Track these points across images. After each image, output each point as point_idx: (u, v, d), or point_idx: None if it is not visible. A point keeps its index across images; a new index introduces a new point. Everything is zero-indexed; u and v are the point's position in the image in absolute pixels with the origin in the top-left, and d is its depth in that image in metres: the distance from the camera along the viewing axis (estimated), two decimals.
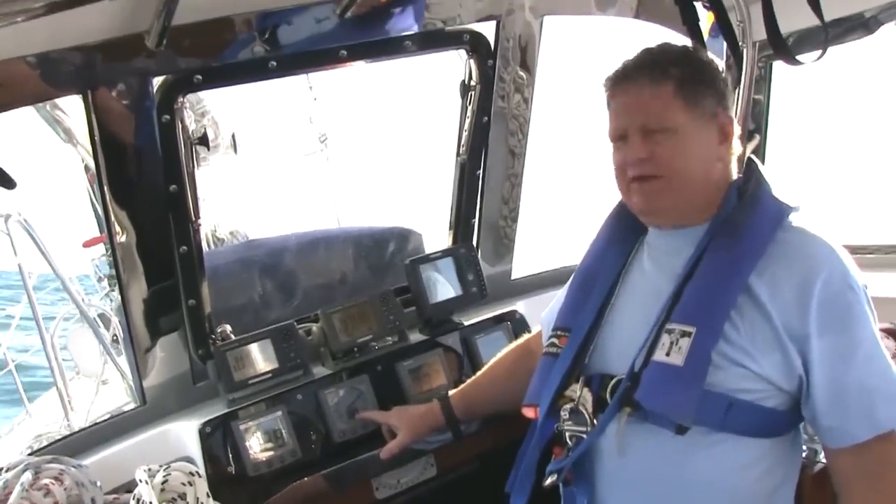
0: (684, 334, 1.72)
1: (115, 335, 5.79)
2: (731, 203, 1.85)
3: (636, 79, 1.86)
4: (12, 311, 7.18)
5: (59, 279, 5.01)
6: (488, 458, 2.57)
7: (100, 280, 7.39)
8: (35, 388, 7.27)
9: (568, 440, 1.90)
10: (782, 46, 2.04)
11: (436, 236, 3.46)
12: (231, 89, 2.52)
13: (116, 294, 6.50)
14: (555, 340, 2.03)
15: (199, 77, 2.23)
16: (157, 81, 2.21)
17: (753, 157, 1.96)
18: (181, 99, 2.25)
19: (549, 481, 1.89)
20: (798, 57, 2.06)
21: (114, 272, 6.69)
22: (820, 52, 2.00)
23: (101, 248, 7.40)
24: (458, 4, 2.52)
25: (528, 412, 2.03)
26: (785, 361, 1.70)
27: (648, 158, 1.79)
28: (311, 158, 6.54)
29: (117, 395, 5.53)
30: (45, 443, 5.38)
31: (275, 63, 2.33)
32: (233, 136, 3.95)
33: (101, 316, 5.77)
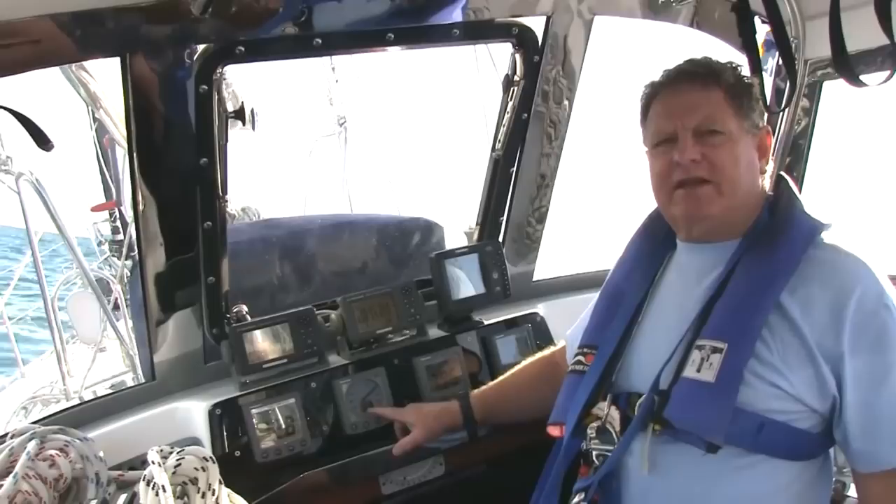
0: (715, 350, 1.69)
1: (116, 301, 5.77)
2: (763, 219, 1.83)
3: (687, 81, 1.85)
4: (8, 273, 7.16)
5: (66, 241, 4.94)
6: (498, 462, 2.54)
7: (100, 244, 7.37)
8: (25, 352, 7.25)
9: (595, 459, 1.86)
10: (846, 65, 1.97)
11: (450, 230, 3.43)
12: (253, 63, 2.44)
13: (117, 260, 6.51)
14: (581, 358, 1.99)
15: (242, 48, 2.16)
16: (198, 51, 2.14)
17: (784, 174, 1.94)
18: (220, 70, 2.18)
19: (575, 500, 1.85)
20: (861, 77, 1.99)
21: (118, 238, 6.68)
22: (889, 73, 1.93)
23: (103, 214, 7.42)
24: None
25: (554, 431, 2.00)
26: (818, 381, 1.66)
27: (701, 161, 1.76)
28: (328, 140, 6.50)
29: (113, 363, 5.50)
30: (39, 405, 5.41)
31: (320, 41, 2.26)
32: (252, 111, 3.90)
33: (100, 281, 5.73)
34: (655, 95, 1.90)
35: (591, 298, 2.20)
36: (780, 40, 2.31)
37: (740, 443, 1.67)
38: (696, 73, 1.85)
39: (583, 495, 1.83)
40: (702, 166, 1.77)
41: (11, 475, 1.80)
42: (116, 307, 5.69)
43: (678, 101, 1.84)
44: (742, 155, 1.80)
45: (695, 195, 1.79)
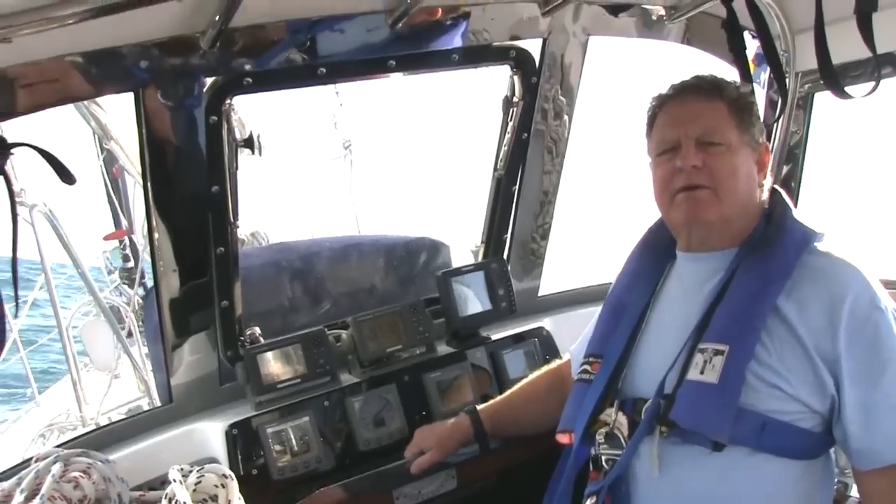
0: (717, 353, 1.75)
1: (129, 329, 5.83)
2: (760, 229, 1.90)
3: (692, 93, 1.93)
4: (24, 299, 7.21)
5: (79, 271, 5.02)
6: (509, 473, 2.57)
7: (110, 273, 7.44)
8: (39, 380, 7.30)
9: (604, 464, 1.91)
10: (832, 78, 2.04)
11: (455, 248, 3.48)
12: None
13: (128, 288, 6.56)
14: (587, 367, 2.05)
15: (249, 80, 2.24)
16: (207, 83, 2.22)
17: (777, 186, 2.01)
18: (229, 101, 2.26)
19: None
20: (847, 89, 2.06)
21: (128, 265, 6.72)
22: (873, 84, 1.99)
23: (112, 242, 7.48)
24: (506, 21, 2.53)
25: (563, 438, 2.05)
26: (817, 382, 1.72)
27: (702, 168, 1.84)
28: (334, 164, 6.56)
29: (127, 389, 5.55)
30: (56, 432, 5.46)
31: (324, 70, 2.33)
32: (258, 137, 3.97)
33: (112, 308, 5.80)
34: (661, 107, 1.98)
35: (595, 311, 2.25)
36: (770, 54, 2.38)
37: (745, 442, 1.73)
38: (700, 87, 1.94)
39: (594, 499, 1.89)
40: (702, 173, 1.84)
41: (38, 496, 1.86)
42: (129, 334, 5.76)
43: (683, 112, 1.92)
44: (741, 166, 1.87)
45: (694, 198, 1.86)
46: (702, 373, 1.75)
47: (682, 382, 1.79)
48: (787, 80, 2.76)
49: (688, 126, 1.88)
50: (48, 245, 4.98)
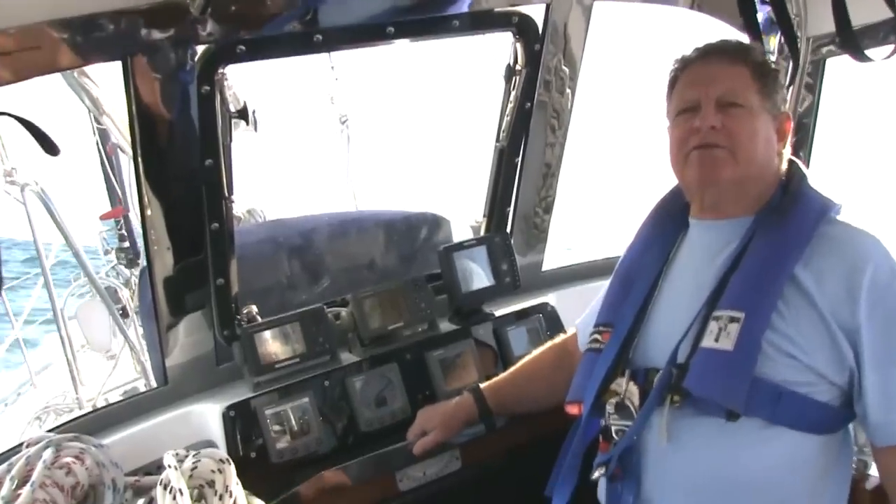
0: (733, 320, 1.71)
1: (125, 309, 5.77)
2: (777, 197, 1.87)
3: (716, 55, 1.90)
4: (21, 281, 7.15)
5: (72, 251, 4.95)
6: (514, 452, 2.53)
7: (106, 253, 7.37)
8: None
9: (614, 435, 1.87)
10: (851, 41, 1.96)
11: (455, 223, 3.41)
12: (253, 63, 2.44)
13: (124, 268, 6.51)
14: (597, 336, 2.01)
15: (243, 48, 2.15)
16: (199, 51, 2.13)
17: (793, 157, 1.97)
18: (222, 70, 2.17)
19: (596, 474, 1.87)
20: (867, 52, 1.98)
21: (124, 245, 6.67)
22: (894, 47, 1.92)
23: (108, 222, 7.41)
24: None
25: (572, 409, 2.02)
26: (835, 353, 1.68)
27: (720, 129, 1.80)
28: (331, 139, 6.48)
29: (124, 370, 5.50)
30: (52, 414, 5.42)
31: (320, 37, 2.25)
32: (253, 112, 3.90)
33: (108, 289, 5.74)
34: (684, 69, 1.94)
35: (601, 286, 2.21)
36: (782, 18, 2.31)
37: (759, 413, 1.68)
38: (725, 50, 1.91)
39: (603, 469, 1.85)
40: (720, 134, 1.80)
41: (29, 483, 1.80)
42: (125, 314, 5.70)
43: (705, 72, 1.89)
44: (760, 130, 1.83)
45: (710, 156, 1.82)
46: (716, 340, 1.72)
47: (696, 350, 1.75)
48: (798, 46, 2.67)
49: (709, 87, 1.84)
50: (44, 226, 4.91)
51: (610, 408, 1.88)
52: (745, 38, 2.38)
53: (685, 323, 1.81)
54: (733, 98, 1.82)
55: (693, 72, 1.91)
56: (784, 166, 1.92)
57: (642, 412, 1.80)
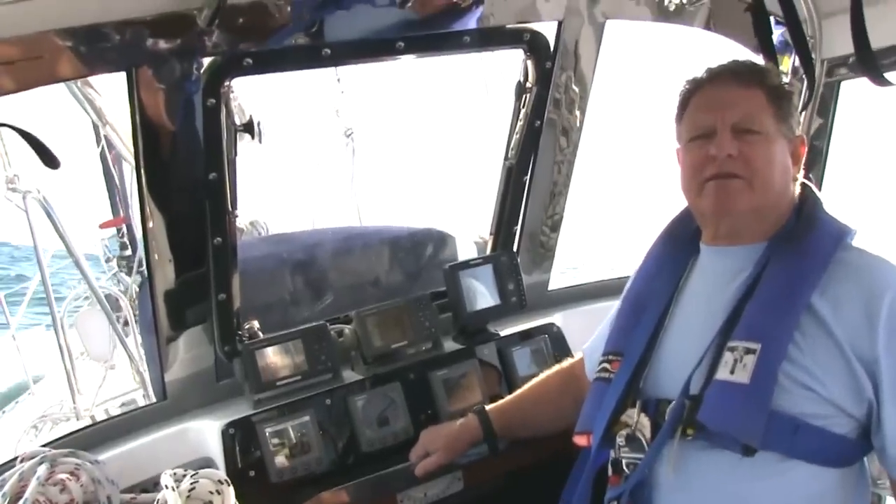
0: (749, 351, 1.66)
1: (126, 318, 5.73)
2: (791, 223, 1.82)
3: (730, 78, 1.85)
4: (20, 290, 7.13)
5: (73, 259, 4.92)
6: (516, 475, 2.48)
7: (108, 261, 7.35)
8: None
9: (625, 468, 1.82)
10: (870, 63, 1.93)
11: (458, 240, 3.38)
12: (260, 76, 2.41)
13: (125, 276, 6.48)
14: (606, 365, 1.96)
15: (250, 60, 2.13)
16: (205, 64, 2.11)
17: (806, 180, 1.93)
18: (228, 83, 2.15)
19: None
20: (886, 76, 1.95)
21: (126, 254, 6.64)
22: None
23: (110, 230, 7.39)
24: (520, 2, 2.42)
25: (581, 440, 1.96)
26: (853, 384, 1.63)
27: (737, 157, 1.75)
28: (335, 152, 6.45)
29: (123, 380, 5.46)
30: (49, 423, 5.37)
31: (329, 51, 2.23)
32: (258, 124, 3.87)
33: (108, 297, 5.71)
34: (696, 91, 1.89)
35: (608, 307, 2.17)
36: (798, 40, 2.28)
37: (775, 447, 1.63)
38: (739, 72, 1.85)
39: None
40: (737, 163, 1.75)
41: (21, 501, 1.77)
42: (125, 324, 5.67)
43: (719, 97, 1.83)
44: (777, 156, 1.79)
45: (726, 188, 1.77)
46: (732, 372, 1.66)
47: (710, 382, 1.70)
48: (814, 68, 2.64)
49: (724, 112, 1.78)
50: (45, 233, 4.89)
51: (620, 440, 1.82)
52: (758, 59, 2.35)
53: (698, 352, 1.75)
54: (749, 124, 1.76)
55: (706, 95, 1.86)
56: (797, 188, 1.88)
57: (654, 445, 1.74)
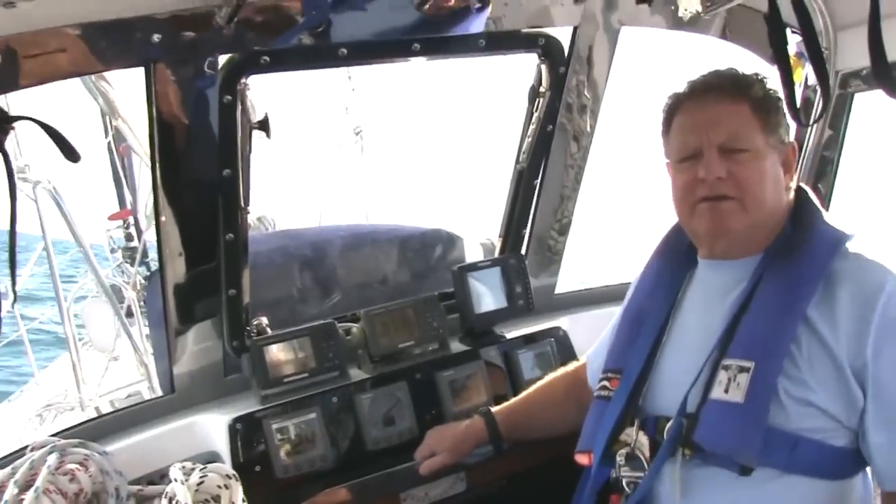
0: (742, 370, 1.64)
1: (130, 309, 5.76)
2: (786, 233, 1.79)
3: (714, 94, 1.79)
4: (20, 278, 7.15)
5: (82, 249, 4.94)
6: (519, 477, 2.49)
7: (113, 252, 7.38)
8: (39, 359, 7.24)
9: (626, 487, 1.81)
10: (887, 75, 1.92)
11: (465, 241, 3.39)
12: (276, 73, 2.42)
13: (130, 267, 6.50)
14: (606, 383, 1.95)
15: (267, 58, 2.14)
16: (222, 60, 2.11)
17: (803, 185, 1.90)
18: (244, 80, 2.16)
19: None
20: None
21: (131, 245, 6.68)
22: None
23: (116, 221, 7.43)
24: (536, 7, 2.43)
25: (582, 459, 1.95)
26: (846, 395, 1.61)
27: (727, 178, 1.72)
28: (344, 150, 6.46)
29: (127, 371, 5.49)
30: (54, 412, 5.40)
31: (345, 51, 2.23)
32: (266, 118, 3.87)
33: (113, 287, 5.74)
34: (678, 107, 1.85)
35: (614, 312, 2.17)
36: (813, 50, 2.27)
37: (774, 463, 1.62)
38: (722, 87, 1.80)
39: None
40: (727, 184, 1.72)
41: (33, 489, 1.79)
42: (130, 314, 5.69)
43: (704, 116, 1.78)
44: (768, 172, 1.75)
45: (718, 210, 1.74)
46: (726, 391, 1.64)
47: (706, 401, 1.68)
48: (829, 79, 2.64)
49: (709, 132, 1.74)
50: (52, 222, 4.91)
51: (620, 459, 1.82)
52: (772, 70, 2.35)
53: (694, 369, 1.73)
54: (736, 143, 1.73)
55: (689, 113, 1.82)
56: (791, 196, 1.85)
57: (654, 465, 1.73)
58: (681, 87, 1.87)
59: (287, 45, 2.14)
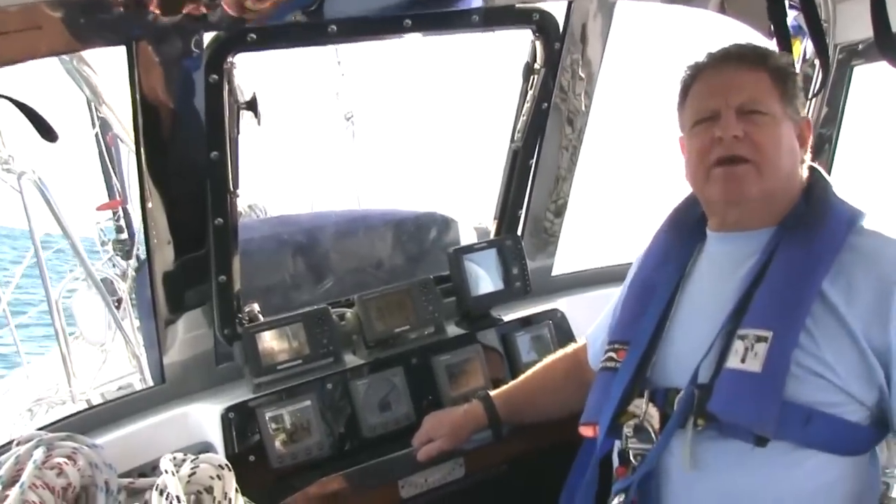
0: (760, 339, 1.63)
1: (120, 301, 5.70)
2: (800, 208, 1.78)
3: (732, 62, 1.81)
4: (13, 271, 7.09)
5: (69, 241, 4.88)
6: (518, 461, 2.47)
7: (103, 244, 7.31)
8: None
9: (633, 459, 1.79)
10: (890, 46, 1.88)
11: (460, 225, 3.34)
12: (258, 55, 2.36)
13: (121, 259, 6.45)
14: (612, 354, 1.93)
15: (254, 36, 2.08)
16: (207, 38, 2.05)
17: (815, 164, 1.90)
18: (231, 59, 2.10)
19: (614, 502, 1.77)
20: None
21: (122, 237, 6.62)
22: None
23: (106, 213, 7.35)
24: None
25: (587, 431, 1.94)
26: (865, 372, 1.60)
27: (743, 138, 1.71)
28: (335, 135, 6.41)
29: (119, 363, 5.44)
30: (45, 407, 5.34)
31: (335, 28, 2.17)
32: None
33: (104, 280, 5.67)
34: (697, 76, 1.85)
35: (612, 293, 2.15)
36: (812, 23, 2.24)
37: (789, 436, 1.61)
38: (742, 55, 1.81)
39: (622, 497, 1.76)
40: (744, 144, 1.72)
41: (18, 484, 1.73)
42: (119, 304, 5.63)
43: (722, 80, 1.79)
44: (784, 138, 1.75)
45: (734, 174, 1.73)
46: (743, 360, 1.63)
47: (721, 371, 1.67)
48: (828, 53, 2.60)
49: (728, 94, 1.74)
50: (40, 215, 4.84)
51: (628, 430, 1.80)
52: (770, 44, 2.31)
53: (706, 341, 1.72)
54: (755, 105, 1.73)
55: (709, 79, 1.82)
56: (805, 172, 1.84)
57: (663, 436, 1.72)
58: (699, 58, 1.87)
59: (275, 21, 2.08)
